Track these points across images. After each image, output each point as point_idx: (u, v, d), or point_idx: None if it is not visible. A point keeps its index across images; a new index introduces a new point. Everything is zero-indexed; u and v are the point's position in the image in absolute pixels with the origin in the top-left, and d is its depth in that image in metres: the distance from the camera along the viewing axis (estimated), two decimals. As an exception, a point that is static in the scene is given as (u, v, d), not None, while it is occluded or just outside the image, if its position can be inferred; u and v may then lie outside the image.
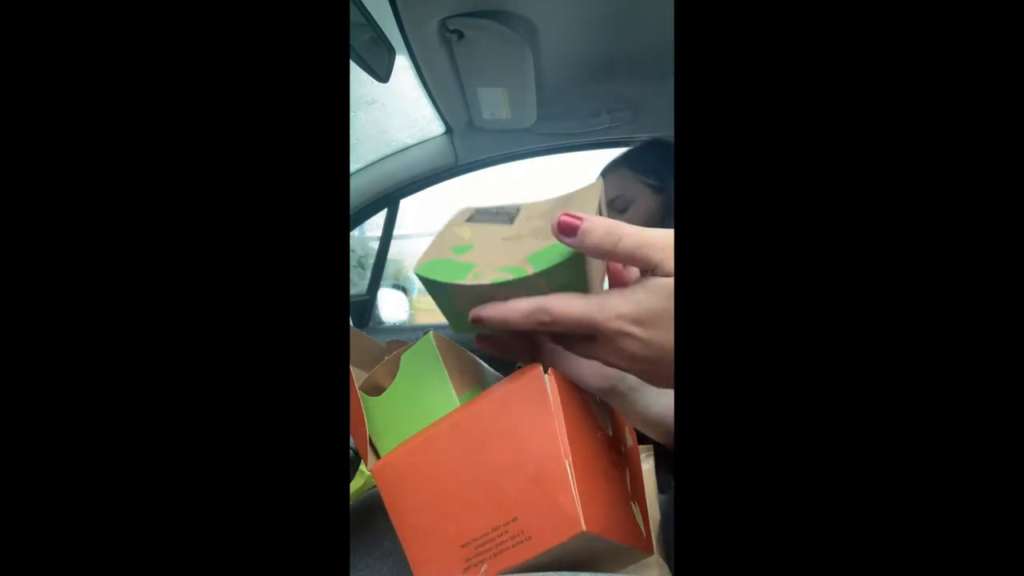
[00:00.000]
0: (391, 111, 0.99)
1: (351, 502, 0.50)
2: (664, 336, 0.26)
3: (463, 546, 0.30)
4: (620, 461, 0.35)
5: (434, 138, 1.08)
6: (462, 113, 0.95)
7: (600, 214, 0.30)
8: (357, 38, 0.66)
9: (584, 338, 0.29)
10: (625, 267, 0.31)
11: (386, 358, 0.48)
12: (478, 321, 0.29)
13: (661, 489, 0.47)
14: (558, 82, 0.87)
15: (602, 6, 0.67)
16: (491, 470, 0.30)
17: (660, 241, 0.26)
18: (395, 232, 1.22)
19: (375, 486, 0.34)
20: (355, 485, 0.49)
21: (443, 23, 0.66)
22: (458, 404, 0.42)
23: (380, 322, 1.28)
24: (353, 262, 1.37)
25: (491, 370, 0.52)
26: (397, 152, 1.10)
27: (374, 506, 0.48)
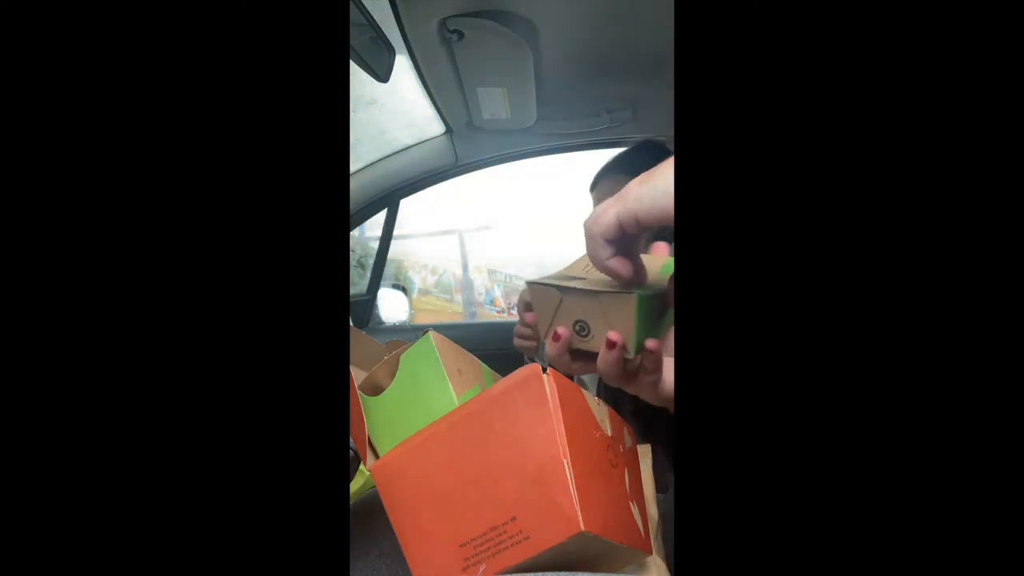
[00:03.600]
0: (391, 111, 0.99)
1: (351, 502, 0.50)
2: None
3: (461, 546, 0.30)
4: (619, 461, 0.35)
5: (434, 138, 1.08)
6: (462, 113, 0.95)
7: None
8: (357, 38, 0.66)
9: None
10: None
11: (385, 358, 0.48)
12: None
13: (660, 489, 0.47)
14: (558, 82, 0.87)
15: (602, 6, 0.67)
16: (490, 470, 0.30)
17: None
18: (395, 232, 1.22)
19: (375, 486, 0.34)
20: (355, 485, 0.49)
21: (443, 23, 0.66)
22: (457, 404, 0.42)
23: (380, 322, 1.29)
24: (353, 262, 1.37)
25: (490, 370, 0.52)
26: (397, 152, 1.10)
27: (373, 506, 0.48)
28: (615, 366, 0.29)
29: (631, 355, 0.29)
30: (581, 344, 0.30)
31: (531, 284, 0.31)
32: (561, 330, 0.30)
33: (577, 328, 0.30)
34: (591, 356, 0.30)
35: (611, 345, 0.28)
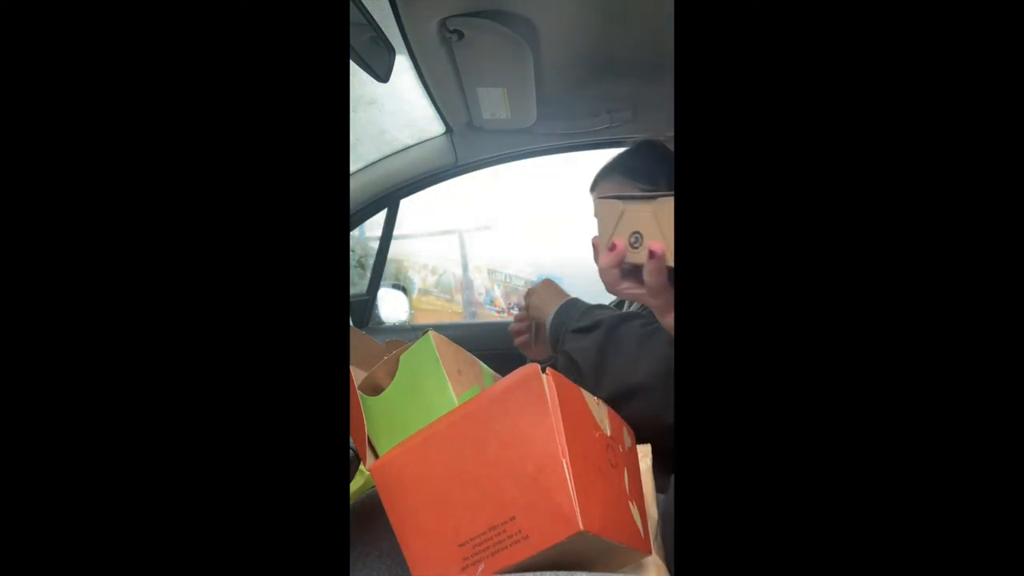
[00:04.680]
0: (391, 111, 0.99)
1: (351, 502, 0.50)
2: None
3: (461, 545, 0.30)
4: (618, 461, 0.35)
5: (434, 138, 1.08)
6: (462, 113, 0.95)
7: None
8: (357, 38, 0.66)
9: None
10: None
11: (385, 358, 0.48)
12: None
13: (659, 489, 0.47)
14: (558, 82, 0.87)
15: (602, 6, 0.67)
16: (489, 470, 0.30)
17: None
18: (395, 232, 1.22)
19: (375, 486, 0.34)
20: (355, 485, 0.49)
21: (443, 23, 0.66)
22: (457, 404, 0.42)
23: (380, 322, 1.28)
24: (353, 262, 1.37)
25: (489, 370, 0.52)
26: (397, 152, 1.10)
27: (373, 506, 0.48)
28: (658, 275, 0.31)
29: (672, 263, 0.30)
30: (632, 256, 0.32)
31: (600, 199, 0.34)
32: (618, 240, 0.32)
33: (632, 240, 0.32)
34: (637, 278, 0.32)
35: (652, 254, 0.30)
